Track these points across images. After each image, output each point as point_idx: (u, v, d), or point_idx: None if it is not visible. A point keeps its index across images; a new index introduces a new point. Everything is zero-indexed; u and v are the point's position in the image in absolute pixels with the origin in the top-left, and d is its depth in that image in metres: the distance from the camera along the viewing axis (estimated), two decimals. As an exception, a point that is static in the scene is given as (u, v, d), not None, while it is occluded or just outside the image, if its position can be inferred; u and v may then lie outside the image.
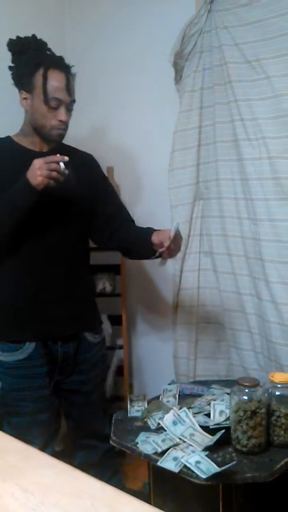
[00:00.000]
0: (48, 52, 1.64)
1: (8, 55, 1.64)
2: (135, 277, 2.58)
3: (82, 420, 1.84)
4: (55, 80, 1.56)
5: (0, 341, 1.68)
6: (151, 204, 2.46)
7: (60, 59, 1.62)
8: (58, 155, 1.48)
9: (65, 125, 1.63)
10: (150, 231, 1.68)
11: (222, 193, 2.06)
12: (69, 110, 1.62)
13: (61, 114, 1.59)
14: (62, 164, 1.47)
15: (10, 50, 1.62)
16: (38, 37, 1.65)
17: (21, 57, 1.60)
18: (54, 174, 1.46)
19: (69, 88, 1.58)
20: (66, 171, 1.47)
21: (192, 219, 2.18)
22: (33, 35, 1.63)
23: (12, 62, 1.62)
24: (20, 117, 1.70)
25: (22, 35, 1.65)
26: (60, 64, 1.59)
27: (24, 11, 2.32)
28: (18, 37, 1.62)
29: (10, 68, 1.63)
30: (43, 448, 1.59)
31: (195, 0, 2.08)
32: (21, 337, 1.66)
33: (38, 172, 1.45)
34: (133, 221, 1.88)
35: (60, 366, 1.73)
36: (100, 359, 1.86)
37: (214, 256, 2.14)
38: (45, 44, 1.65)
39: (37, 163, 1.46)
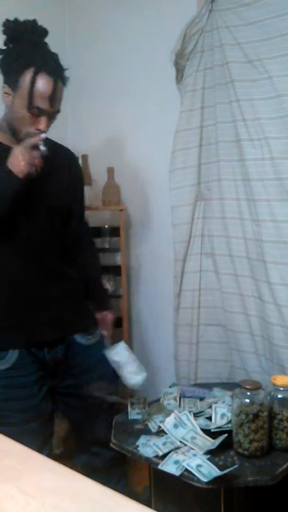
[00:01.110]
0: (43, 48, 1.51)
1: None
2: (136, 279, 2.57)
3: (81, 425, 1.78)
4: (42, 87, 1.43)
5: None
6: (152, 205, 2.46)
7: (54, 60, 1.49)
8: (36, 136, 1.42)
9: (43, 135, 1.47)
10: (97, 304, 1.80)
11: (224, 193, 2.05)
12: (50, 119, 1.50)
13: (41, 123, 1.47)
14: (42, 147, 1.41)
15: (3, 32, 1.48)
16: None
17: (14, 44, 1.47)
18: (37, 160, 1.41)
19: (54, 99, 1.45)
20: (46, 151, 1.43)
21: (194, 220, 2.17)
22: (34, 20, 1.49)
23: (4, 44, 1.49)
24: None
25: None
26: (51, 69, 1.45)
27: (23, 10, 2.32)
28: (16, 19, 1.48)
29: (0, 51, 1.49)
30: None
31: (196, 0, 2.08)
32: (1, 346, 1.57)
33: (22, 160, 1.39)
34: (93, 243, 1.90)
35: (52, 370, 1.65)
36: (96, 362, 1.73)
37: (215, 257, 2.13)
38: (44, 32, 1.51)
39: (19, 151, 1.40)
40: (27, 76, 1.42)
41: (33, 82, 1.41)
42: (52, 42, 1.60)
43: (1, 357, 1.56)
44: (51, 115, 1.49)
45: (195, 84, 2.09)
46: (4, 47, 1.49)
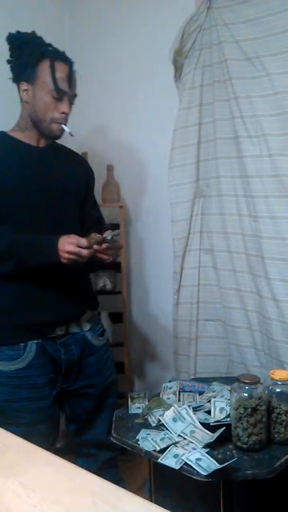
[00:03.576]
0: (50, 48, 1.61)
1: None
2: (135, 275, 2.58)
3: (86, 425, 1.78)
4: (61, 71, 1.54)
5: (2, 345, 1.61)
6: (151, 201, 2.47)
7: (63, 53, 1.60)
8: (91, 244, 1.49)
9: (66, 118, 1.60)
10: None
11: (222, 190, 2.06)
12: (71, 103, 1.60)
13: (65, 106, 1.57)
14: (66, 129, 1.56)
15: (9, 43, 1.59)
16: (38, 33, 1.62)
17: (22, 50, 1.57)
18: (81, 261, 1.49)
19: (71, 81, 1.57)
20: (70, 133, 1.58)
21: (192, 217, 2.18)
22: (33, 31, 1.60)
23: (11, 56, 1.59)
24: (12, 114, 1.66)
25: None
26: (64, 57, 1.58)
27: (23, 10, 2.32)
28: (18, 31, 1.59)
29: (8, 61, 1.60)
30: None
31: (194, -3, 2.08)
32: (20, 337, 1.61)
33: (66, 255, 1.47)
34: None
35: (64, 373, 1.67)
36: (105, 363, 1.79)
37: (214, 254, 2.14)
38: (43, 39, 1.62)
39: (70, 248, 1.46)
40: (45, 65, 1.53)
41: (52, 68, 1.52)
42: (51, 41, 1.63)
43: (18, 355, 1.59)
44: (71, 98, 1.59)
45: (194, 82, 2.09)
46: (11, 58, 1.59)
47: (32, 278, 1.59)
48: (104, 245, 1.51)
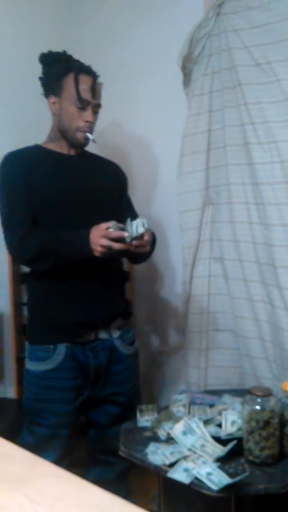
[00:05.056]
0: (76, 63, 1.72)
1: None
2: (144, 284, 2.56)
3: (107, 432, 1.79)
4: (84, 83, 1.64)
5: (33, 344, 1.68)
6: (160, 210, 2.45)
7: (88, 67, 1.71)
8: (122, 234, 1.49)
9: (90, 127, 1.69)
10: None
11: (233, 198, 2.04)
12: (95, 113, 1.70)
13: (88, 115, 1.66)
14: (90, 136, 1.65)
15: (41, 62, 1.71)
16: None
17: (51, 67, 1.69)
18: (113, 252, 1.51)
19: (94, 91, 1.66)
20: (94, 140, 1.68)
21: (202, 225, 2.16)
22: (64, 51, 1.72)
23: (43, 73, 1.71)
24: (45, 129, 1.77)
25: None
26: (88, 70, 1.69)
27: (30, 16, 2.35)
28: (49, 51, 1.71)
29: (40, 78, 1.72)
30: (57, 461, 1.56)
31: (203, 3, 2.08)
32: (50, 338, 1.65)
33: (100, 248, 1.50)
34: None
35: (93, 380, 1.70)
36: (133, 372, 1.83)
37: (224, 262, 2.12)
38: (72, 57, 1.74)
39: (101, 241, 1.49)
40: (69, 78, 1.65)
41: (76, 80, 1.63)
42: (59, 48, 1.72)
43: (47, 357, 1.65)
44: (95, 108, 1.69)
45: (203, 88, 2.08)
46: (42, 75, 1.71)
47: (65, 279, 1.64)
48: (135, 242, 1.51)
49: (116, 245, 1.49)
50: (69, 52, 1.70)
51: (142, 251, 1.57)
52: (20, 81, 2.30)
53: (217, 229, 2.14)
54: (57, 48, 1.72)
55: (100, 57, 2.46)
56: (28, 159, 1.68)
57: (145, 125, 2.41)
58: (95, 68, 1.71)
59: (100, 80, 1.70)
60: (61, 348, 1.64)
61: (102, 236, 1.49)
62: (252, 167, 1.95)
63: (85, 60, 1.72)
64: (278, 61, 1.85)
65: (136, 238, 1.49)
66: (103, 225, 1.51)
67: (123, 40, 2.44)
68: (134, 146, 2.48)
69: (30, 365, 1.69)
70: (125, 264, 2.30)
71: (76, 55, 1.71)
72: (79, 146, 1.72)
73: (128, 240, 1.48)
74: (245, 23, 1.93)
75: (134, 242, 1.50)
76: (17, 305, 2.25)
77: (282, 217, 1.88)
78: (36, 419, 1.67)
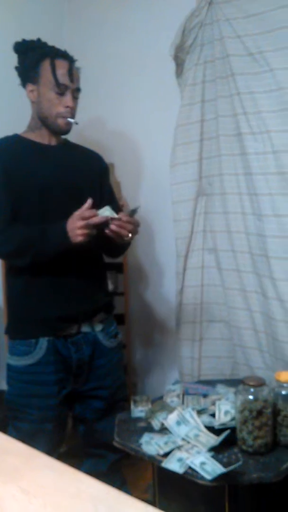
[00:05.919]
0: (50, 48, 1.67)
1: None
2: (137, 276, 2.56)
3: (96, 426, 1.79)
4: (61, 68, 1.61)
5: (14, 339, 1.66)
6: (153, 200, 2.44)
7: (64, 51, 1.67)
8: (94, 211, 1.49)
9: (71, 112, 1.64)
10: None
11: (226, 188, 2.04)
12: (75, 98, 1.66)
13: (68, 100, 1.62)
14: (71, 120, 1.61)
15: (16, 51, 1.67)
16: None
17: (27, 55, 1.65)
18: (95, 231, 1.50)
19: (72, 75, 1.62)
20: (75, 122, 1.64)
21: (195, 216, 2.16)
22: (38, 38, 1.68)
23: (18, 62, 1.67)
24: (23, 118, 1.72)
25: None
26: (65, 54, 1.65)
27: (23, 8, 2.32)
28: (23, 39, 1.68)
29: (16, 68, 1.67)
30: None
31: (195, -7, 2.06)
32: (32, 332, 1.63)
33: (79, 231, 1.48)
34: None
35: (75, 374, 1.68)
36: (116, 365, 1.80)
37: (218, 253, 2.12)
38: (46, 43, 1.70)
39: (77, 224, 1.48)
40: (46, 64, 1.61)
41: (53, 65, 1.60)
42: (51, 38, 1.69)
43: (28, 352, 1.62)
44: (74, 93, 1.65)
45: (195, 78, 2.07)
46: (18, 65, 1.67)
47: (45, 273, 1.61)
48: (123, 217, 1.51)
49: (94, 219, 1.47)
50: (60, 44, 1.67)
51: (127, 232, 1.54)
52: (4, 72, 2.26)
53: (210, 220, 2.14)
54: (47, 40, 1.68)
55: (91, 48, 2.45)
56: (7, 150, 1.65)
57: (137, 116, 2.40)
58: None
59: (77, 64, 1.67)
60: (43, 342, 1.62)
61: (77, 219, 1.48)
62: (245, 157, 1.95)
63: (76, 51, 1.69)
64: (270, 50, 1.84)
65: (114, 219, 1.49)
66: (76, 212, 1.50)
67: (115, 31, 2.42)
68: (126, 137, 2.46)
69: (11, 360, 1.65)
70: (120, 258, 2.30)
71: (67, 47, 1.68)
72: (62, 132, 1.68)
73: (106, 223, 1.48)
74: (237, 12, 1.92)
75: (115, 223, 1.49)
76: (10, 298, 2.24)
77: (275, 207, 1.88)
78: (19, 415, 1.65)
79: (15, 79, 1.67)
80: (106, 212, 1.50)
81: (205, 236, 2.16)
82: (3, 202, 1.58)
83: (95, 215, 1.49)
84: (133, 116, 2.41)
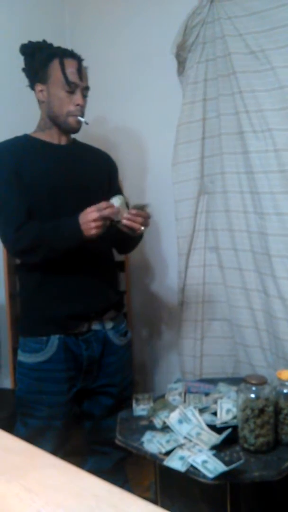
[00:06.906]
0: (58, 48, 1.69)
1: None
2: (139, 274, 2.56)
3: (102, 423, 1.80)
4: (70, 66, 1.62)
5: (25, 336, 1.67)
6: (155, 199, 2.43)
7: (72, 51, 1.69)
8: (110, 203, 1.49)
9: (81, 110, 1.66)
10: None
11: (228, 187, 2.03)
12: (84, 96, 1.67)
13: (78, 98, 1.64)
14: (81, 119, 1.63)
15: (23, 53, 1.68)
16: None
17: (34, 56, 1.66)
18: (108, 222, 1.51)
19: (81, 73, 1.64)
20: (86, 122, 1.65)
21: (197, 214, 2.15)
22: (44, 40, 1.70)
23: (25, 64, 1.69)
24: (30, 119, 1.74)
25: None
26: (73, 54, 1.67)
27: (24, 7, 2.32)
28: (30, 41, 1.69)
29: (23, 69, 1.69)
30: (52, 453, 1.56)
31: (197, -9, 2.06)
32: (43, 330, 1.64)
33: (93, 224, 1.48)
34: None
35: (85, 371, 1.70)
36: (126, 363, 1.82)
37: (219, 252, 2.12)
38: (52, 45, 1.71)
39: (92, 216, 1.48)
40: (55, 63, 1.62)
41: (62, 64, 1.62)
42: (54, 40, 1.70)
43: (40, 349, 1.64)
44: (84, 91, 1.66)
45: (197, 76, 2.06)
46: (25, 66, 1.69)
47: (57, 272, 1.63)
48: (133, 211, 1.51)
49: (107, 211, 1.47)
50: (62, 43, 1.68)
51: (139, 225, 1.52)
52: (11, 74, 2.27)
53: (212, 218, 2.13)
54: (50, 38, 1.69)
55: (94, 46, 2.45)
56: (18, 150, 1.65)
57: (139, 114, 2.39)
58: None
59: (85, 64, 1.68)
60: (54, 340, 1.63)
61: (91, 211, 1.48)
62: (247, 155, 1.94)
63: (79, 52, 1.70)
64: (272, 48, 1.83)
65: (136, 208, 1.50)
66: (89, 209, 1.50)
67: (117, 30, 2.41)
68: (128, 135, 2.46)
69: (22, 357, 1.67)
70: (121, 254, 2.30)
71: (70, 45, 1.69)
72: (72, 131, 1.69)
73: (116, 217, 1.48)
74: (239, 10, 1.91)
75: (125, 216, 1.49)
76: (12, 296, 2.24)
77: (277, 206, 1.88)
78: (29, 411, 1.66)
79: (21, 80, 1.68)
80: (118, 200, 1.50)
81: (207, 235, 2.16)
82: (18, 201, 1.59)
83: (111, 207, 1.48)
84: (135, 114, 2.41)
